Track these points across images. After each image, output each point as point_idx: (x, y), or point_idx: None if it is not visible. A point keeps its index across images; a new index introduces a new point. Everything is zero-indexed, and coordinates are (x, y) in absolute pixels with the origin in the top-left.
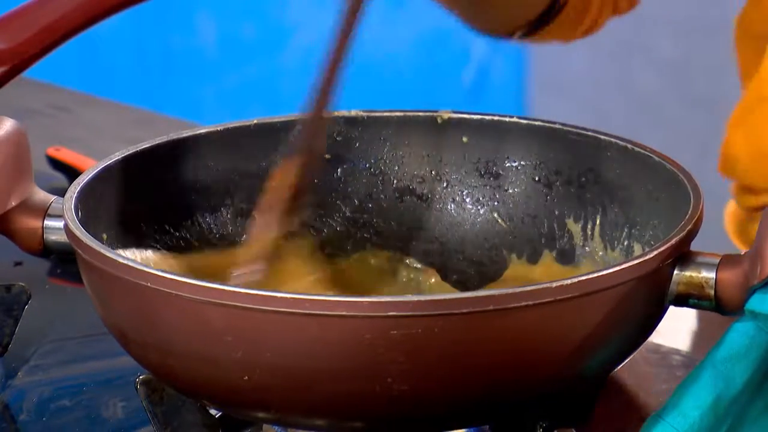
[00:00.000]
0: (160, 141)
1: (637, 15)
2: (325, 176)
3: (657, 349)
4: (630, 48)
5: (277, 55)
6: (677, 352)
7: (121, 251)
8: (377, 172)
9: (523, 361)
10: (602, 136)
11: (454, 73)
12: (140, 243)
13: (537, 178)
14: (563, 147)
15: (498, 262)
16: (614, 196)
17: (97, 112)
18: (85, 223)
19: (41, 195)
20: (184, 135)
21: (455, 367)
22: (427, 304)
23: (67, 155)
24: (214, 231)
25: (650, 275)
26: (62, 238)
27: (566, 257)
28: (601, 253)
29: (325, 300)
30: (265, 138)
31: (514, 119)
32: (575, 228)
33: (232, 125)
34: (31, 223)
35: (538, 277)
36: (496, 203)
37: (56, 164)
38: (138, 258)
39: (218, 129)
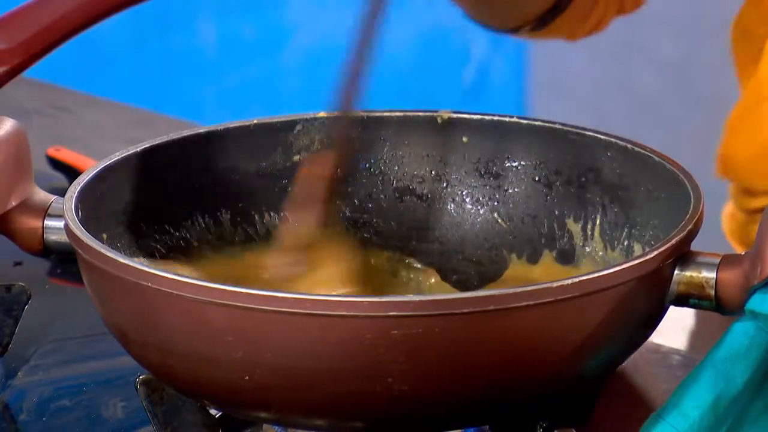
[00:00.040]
0: (160, 141)
1: (637, 15)
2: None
3: (657, 349)
4: (630, 48)
5: (277, 55)
6: (677, 352)
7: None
8: (377, 172)
9: (524, 361)
10: (602, 136)
11: (454, 72)
12: (140, 243)
13: (537, 178)
14: (563, 147)
15: (498, 262)
16: (614, 196)
17: (97, 112)
18: (85, 223)
19: (41, 195)
20: (184, 135)
21: (455, 367)
22: (428, 304)
23: (67, 155)
24: (214, 231)
25: (650, 275)
26: (62, 238)
27: (566, 257)
28: (601, 253)
29: (326, 300)
30: (265, 138)
31: (514, 119)
32: (575, 228)
33: (232, 125)
34: (32, 223)
35: (538, 277)
36: (496, 203)
37: (56, 164)
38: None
39: (218, 129)
